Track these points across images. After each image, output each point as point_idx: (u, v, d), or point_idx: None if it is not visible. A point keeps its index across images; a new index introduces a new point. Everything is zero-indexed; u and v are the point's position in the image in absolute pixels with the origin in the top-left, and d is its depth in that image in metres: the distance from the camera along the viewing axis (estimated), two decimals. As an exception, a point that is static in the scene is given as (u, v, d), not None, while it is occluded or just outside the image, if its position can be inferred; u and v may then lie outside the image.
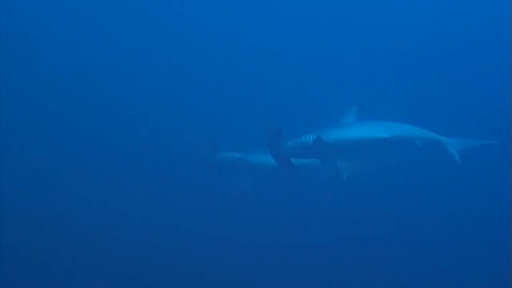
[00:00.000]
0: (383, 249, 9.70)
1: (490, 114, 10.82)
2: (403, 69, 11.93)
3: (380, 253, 9.64)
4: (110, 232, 9.41)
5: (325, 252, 9.55)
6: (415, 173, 10.30)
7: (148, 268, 9.14)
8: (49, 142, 10.92)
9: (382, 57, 12.14)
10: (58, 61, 12.02)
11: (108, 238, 9.33)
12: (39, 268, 8.62)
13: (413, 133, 7.93)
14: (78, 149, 10.99)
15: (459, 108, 11.01)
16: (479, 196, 10.36)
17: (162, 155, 10.68)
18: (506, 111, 10.48)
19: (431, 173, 10.32)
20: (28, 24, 12.29)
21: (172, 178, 10.32)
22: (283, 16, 13.02)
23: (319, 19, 12.93)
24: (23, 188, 9.90)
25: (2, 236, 8.87)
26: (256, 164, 9.03)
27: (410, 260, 9.58)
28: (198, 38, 12.75)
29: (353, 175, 8.71)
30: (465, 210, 10.30)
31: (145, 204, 10.07)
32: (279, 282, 9.08)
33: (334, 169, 8.02)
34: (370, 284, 9.32)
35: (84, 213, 9.76)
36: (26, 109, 11.32)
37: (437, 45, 12.61)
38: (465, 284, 9.27)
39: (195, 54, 12.47)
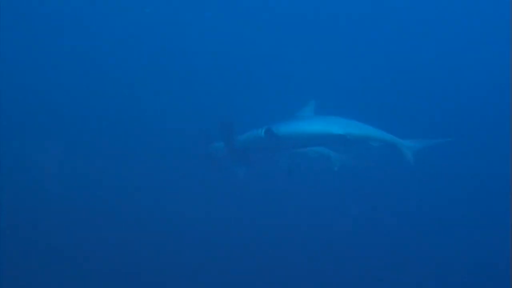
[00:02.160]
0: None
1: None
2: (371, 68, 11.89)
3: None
4: (112, 225, 9.44)
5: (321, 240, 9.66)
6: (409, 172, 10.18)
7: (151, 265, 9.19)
8: (49, 140, 11.02)
9: (349, 55, 12.13)
10: (57, 62, 12.19)
11: (111, 231, 9.36)
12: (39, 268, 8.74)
13: (368, 133, 7.81)
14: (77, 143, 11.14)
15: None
16: (478, 196, 10.39)
17: (160, 147, 10.75)
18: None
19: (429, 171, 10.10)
20: (28, 24, 12.58)
21: (171, 170, 10.38)
22: (245, 12, 13.11)
23: (280, 14, 12.96)
24: (24, 189, 9.96)
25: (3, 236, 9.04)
26: None
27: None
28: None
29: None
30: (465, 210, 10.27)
31: (146, 196, 10.12)
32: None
33: (288, 162, 8.05)
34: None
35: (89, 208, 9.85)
36: (27, 110, 11.49)
37: (404, 43, 12.55)
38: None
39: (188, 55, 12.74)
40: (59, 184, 10.19)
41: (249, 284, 9.01)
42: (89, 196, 9.98)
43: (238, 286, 9.00)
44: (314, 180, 9.28)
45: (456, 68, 12.17)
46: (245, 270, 9.07)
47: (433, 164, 9.98)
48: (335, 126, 7.71)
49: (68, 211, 9.63)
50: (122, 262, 8.95)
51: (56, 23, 12.50)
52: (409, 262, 9.44)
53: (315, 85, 9.73)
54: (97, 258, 8.98)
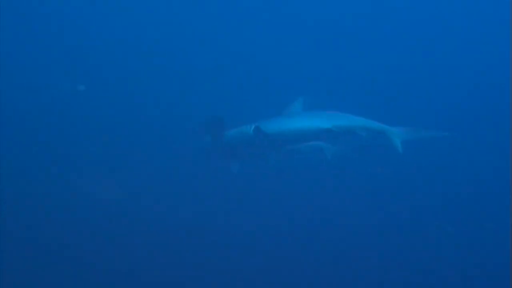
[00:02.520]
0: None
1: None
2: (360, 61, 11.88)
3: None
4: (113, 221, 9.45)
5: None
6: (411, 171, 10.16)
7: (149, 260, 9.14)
8: (49, 140, 11.06)
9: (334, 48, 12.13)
10: (56, 61, 12.31)
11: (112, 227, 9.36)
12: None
13: (355, 123, 7.87)
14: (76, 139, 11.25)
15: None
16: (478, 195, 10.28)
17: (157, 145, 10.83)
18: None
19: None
20: (28, 25, 12.74)
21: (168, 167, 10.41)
22: (232, 9, 13.24)
23: (268, 13, 13.07)
24: (24, 189, 10.03)
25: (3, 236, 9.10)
26: None
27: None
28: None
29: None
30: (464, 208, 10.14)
31: (144, 194, 10.06)
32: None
33: (277, 158, 8.07)
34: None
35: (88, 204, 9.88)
36: (27, 110, 11.59)
37: (389, 34, 12.51)
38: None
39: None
40: (59, 183, 10.16)
41: (249, 283, 9.01)
42: (88, 194, 10.03)
43: (237, 285, 9.00)
44: (308, 172, 9.30)
45: (453, 63, 12.15)
46: (243, 268, 9.05)
47: (432, 162, 10.04)
48: (321, 120, 7.82)
49: (68, 210, 9.65)
50: (122, 261, 8.94)
51: (56, 23, 12.68)
52: (408, 261, 9.29)
53: (303, 82, 9.74)
54: (97, 257, 8.98)
